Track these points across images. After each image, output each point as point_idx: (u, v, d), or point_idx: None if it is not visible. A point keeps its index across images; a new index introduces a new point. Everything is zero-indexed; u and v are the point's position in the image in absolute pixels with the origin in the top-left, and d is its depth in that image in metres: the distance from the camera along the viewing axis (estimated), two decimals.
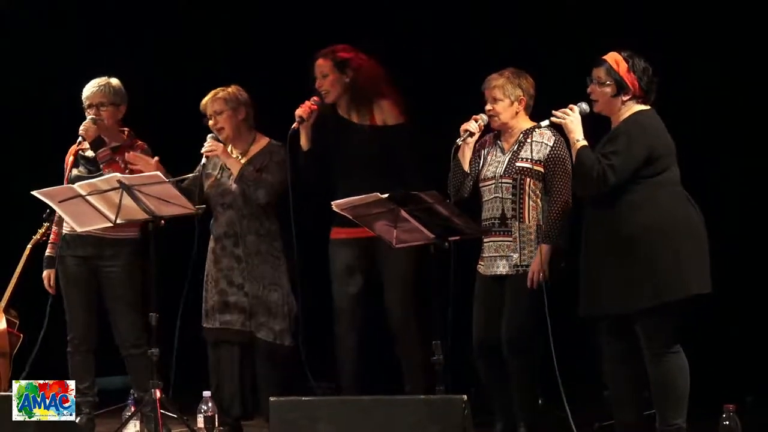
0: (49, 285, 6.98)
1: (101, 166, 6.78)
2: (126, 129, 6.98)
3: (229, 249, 6.73)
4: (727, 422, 5.63)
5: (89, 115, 6.85)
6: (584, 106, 5.90)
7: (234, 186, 6.71)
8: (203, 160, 6.72)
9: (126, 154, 6.75)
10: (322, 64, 6.70)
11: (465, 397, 5.32)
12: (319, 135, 6.69)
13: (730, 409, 5.65)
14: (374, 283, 6.74)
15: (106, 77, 6.93)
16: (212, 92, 6.79)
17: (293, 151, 6.63)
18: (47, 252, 7.02)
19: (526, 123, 6.32)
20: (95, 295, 6.89)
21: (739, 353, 7.34)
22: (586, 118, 5.88)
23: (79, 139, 6.87)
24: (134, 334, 6.79)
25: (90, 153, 6.91)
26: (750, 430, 5.81)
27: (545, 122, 6.00)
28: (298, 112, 6.62)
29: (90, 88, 6.91)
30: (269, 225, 6.73)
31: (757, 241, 7.45)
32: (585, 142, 5.79)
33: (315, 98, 6.68)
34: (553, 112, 5.91)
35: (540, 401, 6.53)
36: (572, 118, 5.84)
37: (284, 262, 6.74)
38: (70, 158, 7.00)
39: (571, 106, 5.88)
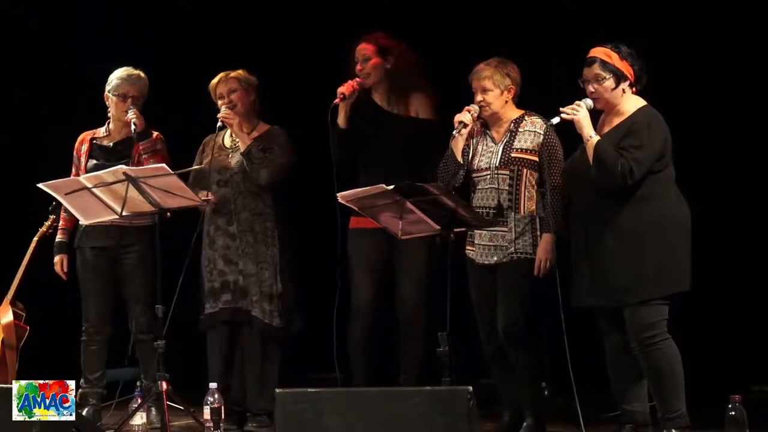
0: (62, 270, 7.00)
1: (144, 157, 6.78)
2: None
3: (223, 227, 6.73)
4: (733, 413, 5.62)
5: (120, 103, 6.87)
6: (589, 101, 5.92)
7: (234, 162, 6.72)
8: (219, 124, 6.69)
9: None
10: (365, 48, 6.74)
11: (470, 388, 5.31)
12: (352, 118, 6.72)
13: (736, 400, 5.65)
14: (390, 276, 6.75)
15: (133, 68, 6.94)
16: (222, 74, 6.78)
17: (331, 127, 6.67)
18: (58, 237, 7.04)
19: (514, 112, 6.34)
20: (112, 285, 6.93)
21: (745, 343, 7.33)
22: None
23: (101, 130, 6.91)
24: (147, 321, 6.79)
25: (107, 143, 6.92)
26: (756, 421, 5.81)
27: (555, 119, 6.00)
28: (341, 89, 6.65)
29: (128, 77, 6.90)
30: (263, 206, 6.73)
31: (761, 232, 7.43)
32: (598, 137, 5.81)
33: (358, 79, 6.71)
34: (561, 109, 5.93)
35: (546, 391, 6.53)
36: (582, 114, 5.86)
37: (277, 243, 6.73)
38: (83, 146, 7.00)
39: (577, 102, 5.89)
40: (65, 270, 7.00)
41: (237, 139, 6.75)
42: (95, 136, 7.00)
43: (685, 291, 5.81)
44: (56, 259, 7.02)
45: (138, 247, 6.85)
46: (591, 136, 5.82)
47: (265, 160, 6.64)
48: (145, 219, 6.66)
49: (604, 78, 5.86)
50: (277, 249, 6.73)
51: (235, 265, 6.71)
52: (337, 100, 6.65)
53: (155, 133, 6.97)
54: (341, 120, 6.70)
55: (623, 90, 5.87)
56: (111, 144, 6.96)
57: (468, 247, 6.35)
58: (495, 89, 6.26)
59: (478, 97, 6.27)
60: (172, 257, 6.60)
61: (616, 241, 5.79)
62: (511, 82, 6.29)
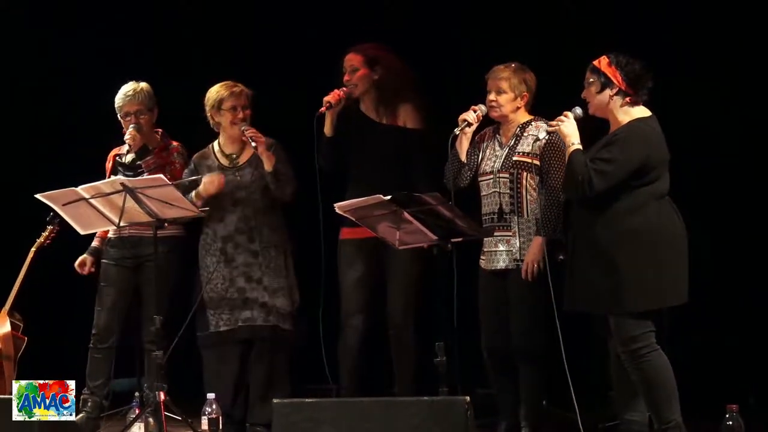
0: (81, 265, 7.04)
1: (145, 174, 6.78)
2: (159, 130, 7.04)
3: (244, 245, 6.76)
4: (731, 423, 5.63)
5: (129, 124, 6.88)
6: (578, 111, 5.92)
7: (247, 180, 6.74)
8: (251, 145, 6.65)
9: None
10: (352, 58, 6.79)
11: (467, 398, 5.33)
12: (341, 127, 6.76)
13: (734, 410, 5.65)
14: (380, 285, 6.77)
15: (135, 82, 6.96)
16: (234, 86, 6.80)
17: (317, 135, 6.70)
18: (94, 243, 7.07)
19: (524, 117, 6.36)
20: (128, 297, 6.96)
21: (742, 354, 7.33)
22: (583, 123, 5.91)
23: (125, 147, 6.91)
24: (156, 331, 6.78)
25: (128, 159, 6.95)
26: (753, 431, 5.81)
27: (543, 134, 6.08)
28: (327, 98, 6.69)
29: (124, 97, 6.93)
30: (278, 221, 6.80)
31: (758, 244, 7.43)
32: (579, 146, 5.81)
33: (345, 89, 6.74)
34: (548, 123, 5.97)
35: (544, 402, 6.53)
36: (566, 123, 5.86)
37: (291, 255, 6.80)
38: (109, 164, 7.05)
39: (565, 113, 5.91)
40: (86, 268, 7.02)
41: (235, 158, 6.79)
42: (119, 152, 7.03)
43: (670, 306, 5.79)
44: (82, 258, 7.03)
45: (155, 258, 6.83)
46: (572, 143, 5.81)
47: (288, 177, 6.70)
48: (169, 230, 6.69)
49: (590, 81, 5.88)
50: (291, 261, 6.81)
51: (257, 282, 6.74)
52: (322, 109, 6.68)
53: (174, 144, 7.00)
54: (327, 128, 6.74)
55: (611, 96, 5.83)
56: (128, 160, 6.97)
57: (481, 257, 6.37)
58: (509, 92, 6.29)
59: (491, 96, 6.29)
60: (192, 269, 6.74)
61: (591, 252, 5.78)
62: (526, 89, 6.32)
